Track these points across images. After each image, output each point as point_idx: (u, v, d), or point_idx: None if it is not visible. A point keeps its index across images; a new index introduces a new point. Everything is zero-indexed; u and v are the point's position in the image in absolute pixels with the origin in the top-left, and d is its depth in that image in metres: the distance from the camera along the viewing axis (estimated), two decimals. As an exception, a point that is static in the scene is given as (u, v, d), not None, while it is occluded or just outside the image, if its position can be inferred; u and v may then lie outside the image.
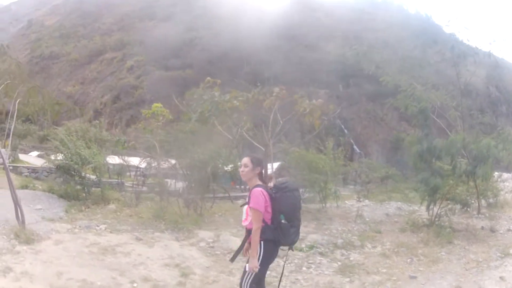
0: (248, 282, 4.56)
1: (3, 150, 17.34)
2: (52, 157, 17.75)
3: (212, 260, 8.37)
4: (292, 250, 5.30)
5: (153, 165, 17.87)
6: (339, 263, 8.47)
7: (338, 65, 69.98)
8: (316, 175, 13.39)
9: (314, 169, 13.53)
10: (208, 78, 13.57)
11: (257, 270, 4.45)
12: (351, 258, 8.82)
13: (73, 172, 14.85)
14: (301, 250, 9.10)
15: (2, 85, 12.18)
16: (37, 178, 19.73)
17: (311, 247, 9.27)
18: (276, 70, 73.55)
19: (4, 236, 9.19)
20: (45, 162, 18.42)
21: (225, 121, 13.45)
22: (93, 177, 15.54)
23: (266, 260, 4.67)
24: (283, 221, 4.56)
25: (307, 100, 12.55)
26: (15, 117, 12.99)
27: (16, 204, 10.19)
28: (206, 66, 70.96)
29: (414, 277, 7.46)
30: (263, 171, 4.94)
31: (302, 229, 9.93)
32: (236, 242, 8.38)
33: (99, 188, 15.28)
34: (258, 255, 4.51)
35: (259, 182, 4.72)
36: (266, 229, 4.56)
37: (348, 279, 7.47)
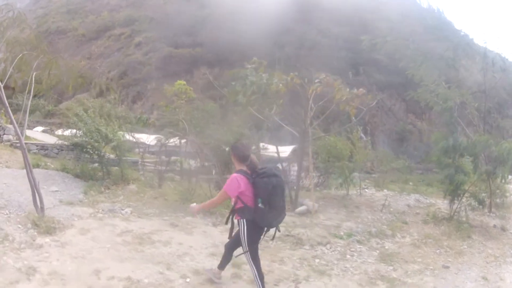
0: (249, 258, 5.20)
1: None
2: (65, 133, 16.53)
3: (259, 249, 7.69)
4: (279, 230, 5.71)
5: (175, 143, 17.11)
6: (377, 251, 8.73)
7: (349, 52, 70.28)
8: (345, 162, 13.39)
9: (342, 156, 13.59)
10: (255, 58, 12.01)
11: (190, 211, 5.78)
12: (386, 247, 9.11)
13: (90, 150, 13.76)
14: (341, 238, 9.26)
15: (19, 56, 10.55)
16: (46, 156, 18.50)
17: (350, 235, 9.44)
18: (289, 53, 72.05)
19: (20, 226, 8.37)
20: (58, 140, 17.18)
21: (264, 104, 12.53)
22: (111, 155, 14.97)
23: (250, 238, 5.12)
24: (259, 205, 4.91)
25: (347, 88, 11.87)
26: (32, 92, 11.59)
27: (34, 188, 9.13)
28: (217, 45, 70.46)
29: (447, 267, 7.98)
30: (245, 158, 5.18)
31: (334, 215, 10.84)
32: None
33: (116, 167, 14.45)
34: (241, 231, 5.09)
35: (241, 167, 5.13)
36: (246, 210, 4.99)
37: (391, 267, 7.78)
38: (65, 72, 12.64)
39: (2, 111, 25.33)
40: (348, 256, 8.16)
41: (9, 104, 21.84)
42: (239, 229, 5.22)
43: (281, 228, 7.50)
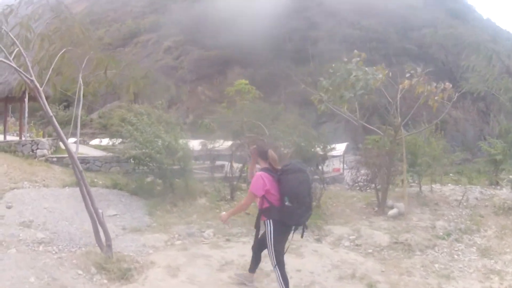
0: (274, 260, 5.04)
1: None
2: (117, 144, 15.70)
3: (379, 262, 7.71)
4: (306, 228, 5.42)
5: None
6: (474, 247, 8.77)
7: (379, 43, 72.15)
8: (426, 158, 12.65)
9: (423, 153, 12.85)
10: (356, 51, 11.09)
11: (221, 221, 5.60)
12: (478, 242, 9.12)
13: (150, 163, 12.24)
14: (443, 238, 9.21)
15: (59, 54, 7.63)
16: (88, 170, 16.23)
17: (448, 234, 9.38)
18: (321, 47, 73.57)
19: (80, 272, 6.39)
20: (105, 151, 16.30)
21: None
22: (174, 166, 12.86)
23: (277, 238, 5.00)
24: (286, 203, 4.81)
25: (433, 83, 10.93)
26: (82, 99, 9.02)
27: (97, 220, 7.22)
28: (246, 44, 70.25)
29: (538, 257, 7.84)
30: (265, 155, 5.05)
31: (422, 215, 10.41)
32: (380, 236, 8.74)
33: (176, 179, 12.75)
34: (268, 232, 4.98)
35: (266, 165, 5.09)
36: (272, 210, 4.92)
37: (492, 261, 7.90)
38: (126, 71, 10.07)
39: (32, 124, 23.27)
40: (455, 256, 8.24)
41: (41, 116, 19.69)
42: (265, 230, 5.05)
43: (386, 235, 8.64)
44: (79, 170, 7.34)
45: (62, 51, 8.14)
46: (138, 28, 77.34)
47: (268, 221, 5.03)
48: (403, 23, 78.12)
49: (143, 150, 11.90)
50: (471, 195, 12.36)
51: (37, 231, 8.80)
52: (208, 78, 66.55)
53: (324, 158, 18.54)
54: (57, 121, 19.45)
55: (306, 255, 7.80)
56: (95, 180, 13.88)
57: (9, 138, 20.69)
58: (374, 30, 76.52)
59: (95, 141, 29.86)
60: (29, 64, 7.42)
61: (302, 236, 5.73)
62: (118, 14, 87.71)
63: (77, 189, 11.84)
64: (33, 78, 7.35)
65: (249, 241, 7.92)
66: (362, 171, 14.55)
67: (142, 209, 10.78)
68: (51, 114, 7.50)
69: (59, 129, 7.55)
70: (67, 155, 16.94)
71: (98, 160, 16.96)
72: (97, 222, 7.16)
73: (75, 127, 25.86)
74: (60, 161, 16.53)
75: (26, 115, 18.69)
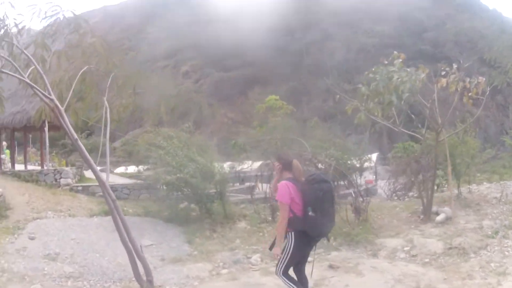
0: (281, 269, 4.86)
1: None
2: (143, 170, 15.35)
3: (439, 270, 7.40)
4: (328, 240, 5.33)
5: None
6: None
7: (396, 48, 68.51)
8: (465, 158, 12.38)
9: (460, 153, 12.40)
10: (395, 52, 10.55)
11: (277, 257, 4.86)
12: None
13: (183, 188, 11.62)
14: (492, 237, 8.91)
15: (80, 73, 6.65)
16: (116, 198, 14.39)
17: (496, 232, 9.10)
18: (339, 58, 74.71)
19: None
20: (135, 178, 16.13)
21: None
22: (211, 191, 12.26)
23: (297, 250, 4.84)
24: (310, 213, 4.69)
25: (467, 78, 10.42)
26: (109, 122, 7.93)
27: (132, 251, 6.54)
28: (264, 62, 70.82)
29: None
30: (289, 165, 5.01)
31: (467, 217, 10.45)
32: (434, 244, 8.54)
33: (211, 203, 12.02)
34: (288, 244, 4.79)
35: (289, 175, 4.93)
36: (295, 220, 4.75)
37: None
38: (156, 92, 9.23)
39: (54, 154, 22.61)
40: (506, 253, 8.00)
41: (63, 145, 18.98)
42: (287, 242, 4.87)
43: (440, 242, 8.51)
44: (112, 199, 6.59)
45: (83, 70, 7.31)
46: (154, 55, 77.42)
47: (290, 233, 4.85)
48: (415, 25, 78.32)
49: (178, 175, 11.19)
50: (507, 190, 12.12)
51: (64, 264, 8.00)
52: (230, 100, 66.31)
53: (361, 170, 18.01)
54: (75, 149, 18.61)
55: (365, 272, 7.33)
56: (125, 208, 13.00)
57: (30, 167, 20.02)
58: (388, 35, 76.64)
59: (120, 169, 29.64)
60: (47, 82, 6.61)
61: (314, 250, 5.48)
62: (132, 43, 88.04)
63: (107, 218, 11.17)
64: (53, 96, 6.49)
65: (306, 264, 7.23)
66: (400, 180, 14.31)
67: (179, 237, 10.12)
68: (76, 136, 6.59)
69: (87, 154, 6.65)
70: (92, 184, 16.40)
71: (126, 187, 16.32)
72: (135, 255, 6.36)
73: (100, 155, 25.21)
74: (85, 190, 15.83)
75: (47, 143, 18.00)
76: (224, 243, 9.65)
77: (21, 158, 26.55)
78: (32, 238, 9.43)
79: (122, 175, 25.83)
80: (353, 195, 11.09)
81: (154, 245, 9.43)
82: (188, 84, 67.69)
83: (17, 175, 16.42)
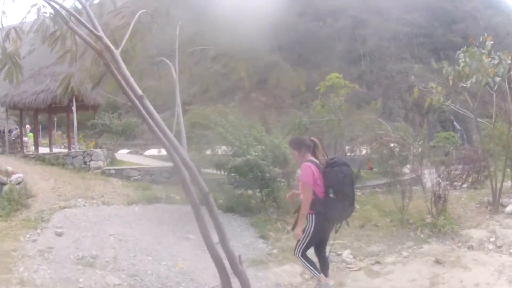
0: (300, 250, 4.88)
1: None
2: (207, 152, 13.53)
3: None
4: (348, 224, 5.49)
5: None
6: None
7: (426, 38, 71.71)
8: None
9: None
10: (485, 34, 9.85)
11: (298, 237, 4.87)
12: None
13: (249, 172, 9.91)
14: None
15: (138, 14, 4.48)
16: (153, 182, 13.78)
17: None
18: (371, 46, 73.06)
19: None
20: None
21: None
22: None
23: (317, 232, 4.87)
24: (331, 195, 4.76)
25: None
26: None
27: (224, 266, 4.67)
28: (295, 46, 68.64)
29: None
30: (308, 146, 5.01)
31: None
32: None
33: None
34: (308, 226, 4.81)
35: (311, 158, 4.96)
36: (316, 202, 4.79)
37: None
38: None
39: (81, 136, 20.59)
40: None
41: (92, 125, 16.96)
42: (307, 224, 4.88)
43: None
44: (204, 192, 4.34)
45: (140, 12, 5.63)
46: (182, 38, 75.75)
47: (311, 215, 4.82)
48: (444, 16, 76.48)
49: (248, 157, 9.43)
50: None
51: (106, 272, 5.96)
52: (261, 83, 64.20)
53: (423, 155, 17.05)
54: (112, 131, 16.63)
55: (470, 266, 6.67)
56: (171, 195, 10.90)
57: (56, 150, 18.07)
58: (419, 25, 74.93)
59: (150, 152, 28.38)
60: (91, 14, 4.68)
61: (336, 232, 5.28)
62: (160, 26, 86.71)
63: (150, 207, 10.02)
64: (101, 33, 4.47)
65: (400, 260, 6.92)
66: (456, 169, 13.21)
67: (248, 231, 8.49)
68: (141, 92, 4.24)
69: (158, 118, 4.28)
70: (127, 167, 15.14)
71: (165, 170, 14.32)
72: (228, 270, 4.46)
73: (129, 137, 23.21)
74: (119, 173, 13.88)
75: (75, 124, 15.98)
76: None
77: (45, 141, 24.67)
78: (59, 234, 7.40)
79: (155, 157, 24.09)
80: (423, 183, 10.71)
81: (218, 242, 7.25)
82: (217, 67, 65.60)
83: (41, 159, 14.64)
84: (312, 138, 5.16)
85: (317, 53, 68.98)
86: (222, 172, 10.26)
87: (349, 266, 6.93)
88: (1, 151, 16.90)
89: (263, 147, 9.99)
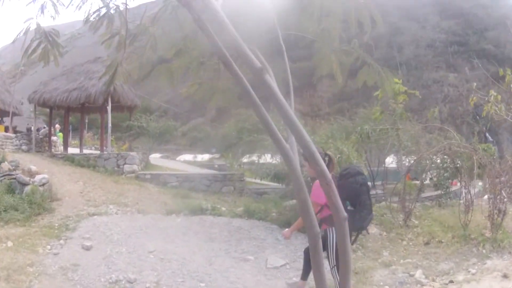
0: (334, 264, 4.71)
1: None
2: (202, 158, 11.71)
3: None
4: (367, 233, 5.70)
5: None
6: None
7: (460, 46, 71.84)
8: None
9: None
10: None
11: (286, 239, 5.29)
12: None
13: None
14: None
15: None
16: (193, 189, 12.50)
17: None
18: (408, 54, 73.78)
19: None
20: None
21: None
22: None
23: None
24: (348, 207, 4.60)
25: None
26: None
27: None
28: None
29: None
30: (327, 163, 4.54)
31: None
32: None
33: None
34: (329, 241, 4.73)
35: None
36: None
37: None
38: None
39: (113, 138, 19.45)
40: None
41: (128, 126, 15.73)
42: (327, 239, 4.74)
43: None
44: (341, 217, 2.92)
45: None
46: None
47: (330, 229, 4.72)
48: (478, 24, 76.11)
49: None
50: None
51: None
52: (297, 92, 63.16)
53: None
54: (149, 133, 15.46)
55: None
56: (217, 206, 9.55)
57: (86, 151, 16.90)
58: (453, 32, 74.89)
59: (183, 157, 27.52)
60: None
61: (353, 244, 5.06)
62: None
63: (194, 219, 8.53)
64: None
65: (470, 278, 6.21)
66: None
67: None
68: (259, 64, 2.76)
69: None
70: (164, 172, 14.05)
71: (205, 178, 13.24)
72: None
73: (162, 142, 21.93)
74: (155, 179, 12.68)
75: (110, 125, 14.77)
76: (371, 256, 7.35)
77: (75, 142, 23.67)
78: (87, 248, 6.02)
79: (191, 163, 23.23)
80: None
81: (287, 264, 6.31)
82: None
83: (70, 159, 13.55)
84: (328, 152, 4.95)
85: (355, 59, 69.61)
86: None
87: (424, 287, 6.20)
88: (27, 150, 15.91)
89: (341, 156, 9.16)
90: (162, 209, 9.07)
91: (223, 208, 9.32)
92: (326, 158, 4.74)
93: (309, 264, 4.85)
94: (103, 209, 8.52)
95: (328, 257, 4.72)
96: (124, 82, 7.23)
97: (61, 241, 6.24)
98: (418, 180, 14.41)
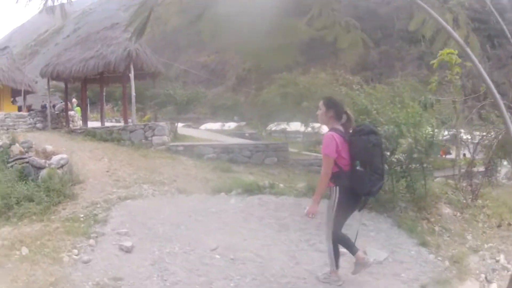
0: (329, 234, 4.36)
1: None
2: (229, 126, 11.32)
3: None
4: (374, 197, 4.83)
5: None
6: None
7: (481, 24, 64.84)
8: None
9: None
10: None
11: (311, 216, 4.30)
12: None
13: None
14: None
15: None
16: (232, 161, 11.26)
17: None
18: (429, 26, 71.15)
19: None
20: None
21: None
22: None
23: (342, 209, 4.35)
24: (357, 167, 4.27)
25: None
26: None
27: None
28: (363, 21, 65.57)
29: None
30: (341, 114, 4.48)
31: None
32: None
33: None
34: (332, 201, 4.36)
35: (336, 126, 4.45)
36: (342, 175, 4.32)
37: None
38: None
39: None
40: None
41: (152, 96, 16.23)
42: (330, 199, 4.39)
43: None
44: None
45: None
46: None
47: (335, 187, 4.29)
48: (497, 3, 75.91)
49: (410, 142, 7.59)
50: None
51: None
52: (320, 60, 61.98)
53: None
54: (175, 102, 14.16)
55: None
56: (275, 182, 7.90)
57: (108, 124, 15.49)
58: (475, 9, 75.25)
59: (207, 125, 27.24)
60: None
61: (359, 210, 4.60)
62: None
63: (252, 200, 6.94)
64: None
65: None
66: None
67: (401, 236, 5.93)
68: None
69: None
70: (199, 143, 12.51)
71: (246, 148, 11.88)
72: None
73: (182, 111, 20.46)
74: (188, 151, 11.22)
75: (134, 93, 13.22)
76: (457, 240, 6.23)
77: (94, 115, 22.26)
78: (127, 250, 4.57)
79: (219, 131, 22.25)
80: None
81: (389, 257, 5.15)
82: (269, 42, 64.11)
83: (90, 134, 12.19)
84: (347, 111, 4.52)
85: (377, 31, 66.82)
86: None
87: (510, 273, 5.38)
88: (42, 127, 14.51)
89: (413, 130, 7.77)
90: (206, 187, 7.65)
91: (281, 185, 7.72)
92: (345, 116, 4.43)
93: (337, 255, 4.50)
94: (136, 190, 7.09)
95: (326, 222, 4.38)
96: (155, 32, 5.75)
97: (91, 241, 4.75)
98: (449, 154, 13.95)
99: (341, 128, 4.41)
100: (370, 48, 13.21)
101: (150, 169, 8.68)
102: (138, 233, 5.00)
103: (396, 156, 7.83)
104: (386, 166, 7.51)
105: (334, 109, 4.41)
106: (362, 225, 5.80)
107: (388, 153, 7.52)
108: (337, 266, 4.34)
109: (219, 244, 4.75)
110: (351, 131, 4.43)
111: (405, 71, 56.77)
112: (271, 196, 6.91)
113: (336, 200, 4.26)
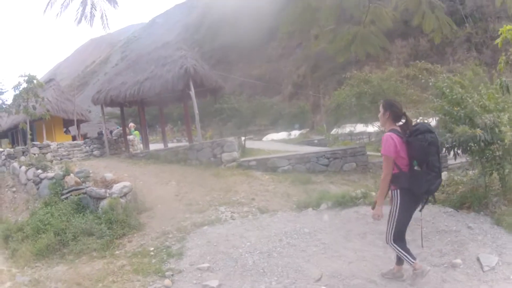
0: (391, 235, 4.24)
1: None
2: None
3: None
4: (434, 200, 4.92)
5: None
6: None
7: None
8: None
9: None
10: None
11: (378, 218, 4.22)
12: None
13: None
14: None
15: None
16: (310, 172, 10.50)
17: None
18: (471, 6, 70.27)
19: None
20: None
21: None
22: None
23: (404, 210, 4.27)
24: (415, 167, 4.26)
25: None
26: None
27: None
28: (401, 13, 65.32)
29: None
30: (398, 115, 4.45)
31: None
32: None
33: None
34: (393, 204, 4.28)
35: (394, 127, 4.44)
36: (401, 176, 4.29)
37: None
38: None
39: (193, 127, 17.51)
40: None
41: (216, 111, 15.11)
42: (392, 203, 4.31)
43: None
44: None
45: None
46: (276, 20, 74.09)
47: (395, 191, 4.24)
48: None
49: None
50: None
51: None
52: (372, 56, 60.64)
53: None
54: (241, 115, 13.39)
55: None
56: (365, 190, 7.06)
57: (171, 145, 14.94)
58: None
59: (271, 136, 27.03)
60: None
61: (421, 210, 4.51)
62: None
63: (348, 214, 6.21)
64: None
65: None
66: None
67: (505, 236, 5.30)
68: None
69: None
70: (271, 156, 11.58)
71: (323, 156, 10.97)
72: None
73: (242, 124, 19.81)
74: (261, 165, 10.57)
75: (197, 111, 12.55)
76: None
77: (152, 138, 21.92)
78: None
79: (287, 141, 21.65)
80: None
81: (499, 261, 4.65)
82: (324, 44, 62.92)
83: (154, 157, 11.72)
84: (405, 113, 4.38)
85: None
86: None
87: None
88: (99, 154, 14.25)
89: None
90: (289, 204, 7.02)
91: (373, 193, 6.76)
92: (403, 117, 4.39)
93: (407, 249, 4.36)
94: (212, 214, 6.37)
95: (388, 225, 4.24)
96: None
97: (166, 281, 4.01)
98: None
99: (399, 129, 4.39)
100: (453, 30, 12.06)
101: (224, 189, 8.03)
102: (223, 267, 4.22)
103: (492, 147, 6.94)
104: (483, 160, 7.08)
105: (391, 110, 4.41)
106: (468, 229, 5.54)
107: (483, 145, 6.72)
108: (413, 257, 4.19)
109: (323, 271, 4.03)
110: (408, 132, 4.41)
111: (455, 56, 54.66)
112: (367, 208, 6.12)
113: (398, 205, 4.24)
